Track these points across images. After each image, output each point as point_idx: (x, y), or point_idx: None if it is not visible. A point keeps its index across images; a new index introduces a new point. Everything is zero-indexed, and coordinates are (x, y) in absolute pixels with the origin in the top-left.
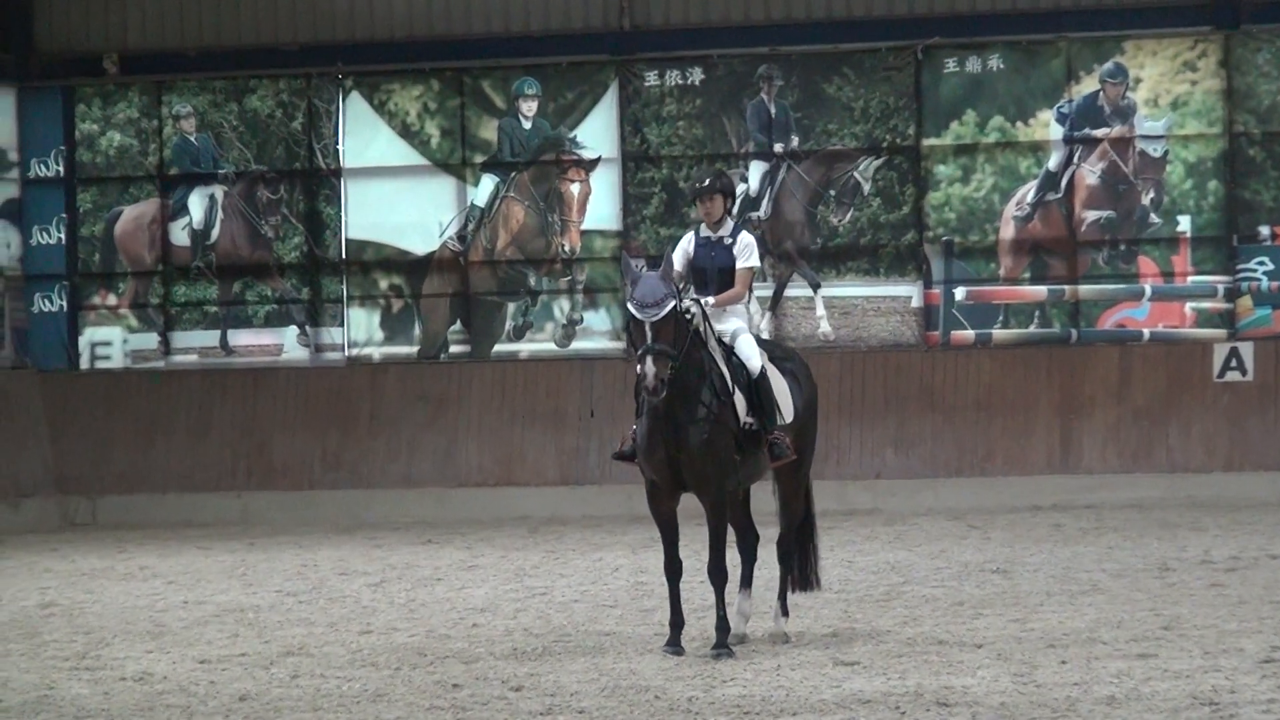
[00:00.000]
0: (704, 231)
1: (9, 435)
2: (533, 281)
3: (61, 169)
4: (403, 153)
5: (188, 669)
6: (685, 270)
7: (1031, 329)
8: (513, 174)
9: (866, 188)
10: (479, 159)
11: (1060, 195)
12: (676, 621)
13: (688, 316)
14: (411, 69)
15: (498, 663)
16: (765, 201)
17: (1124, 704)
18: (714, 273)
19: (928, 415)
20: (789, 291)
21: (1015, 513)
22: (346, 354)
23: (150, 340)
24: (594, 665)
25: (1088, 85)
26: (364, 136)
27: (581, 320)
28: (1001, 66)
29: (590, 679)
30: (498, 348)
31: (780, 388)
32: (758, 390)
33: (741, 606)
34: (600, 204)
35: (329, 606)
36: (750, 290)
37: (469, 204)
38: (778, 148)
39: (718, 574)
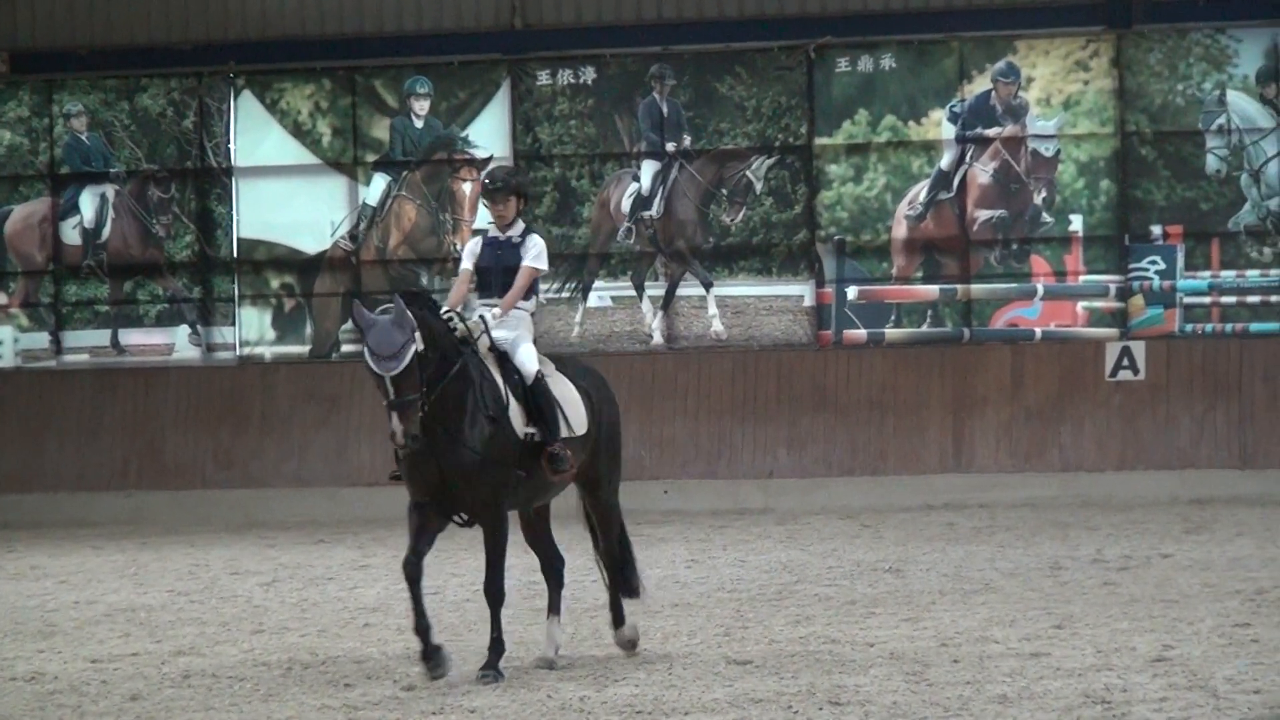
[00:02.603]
0: (493, 232)
1: None
2: (424, 280)
3: None
4: (294, 152)
5: (79, 669)
6: (472, 273)
7: (924, 328)
8: (404, 173)
9: (759, 187)
10: (371, 158)
11: (952, 194)
12: (422, 626)
13: (463, 332)
14: (303, 68)
15: (389, 662)
16: (657, 200)
17: (1016, 703)
18: (498, 273)
19: (820, 414)
20: (681, 291)
21: (908, 512)
22: (238, 353)
23: (41, 339)
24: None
25: (980, 84)
26: (255, 135)
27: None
28: (894, 66)
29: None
30: None
31: (569, 399)
32: (537, 399)
33: (552, 633)
34: None
35: (221, 606)
36: (534, 292)
37: (361, 203)
38: (670, 147)
39: (494, 593)
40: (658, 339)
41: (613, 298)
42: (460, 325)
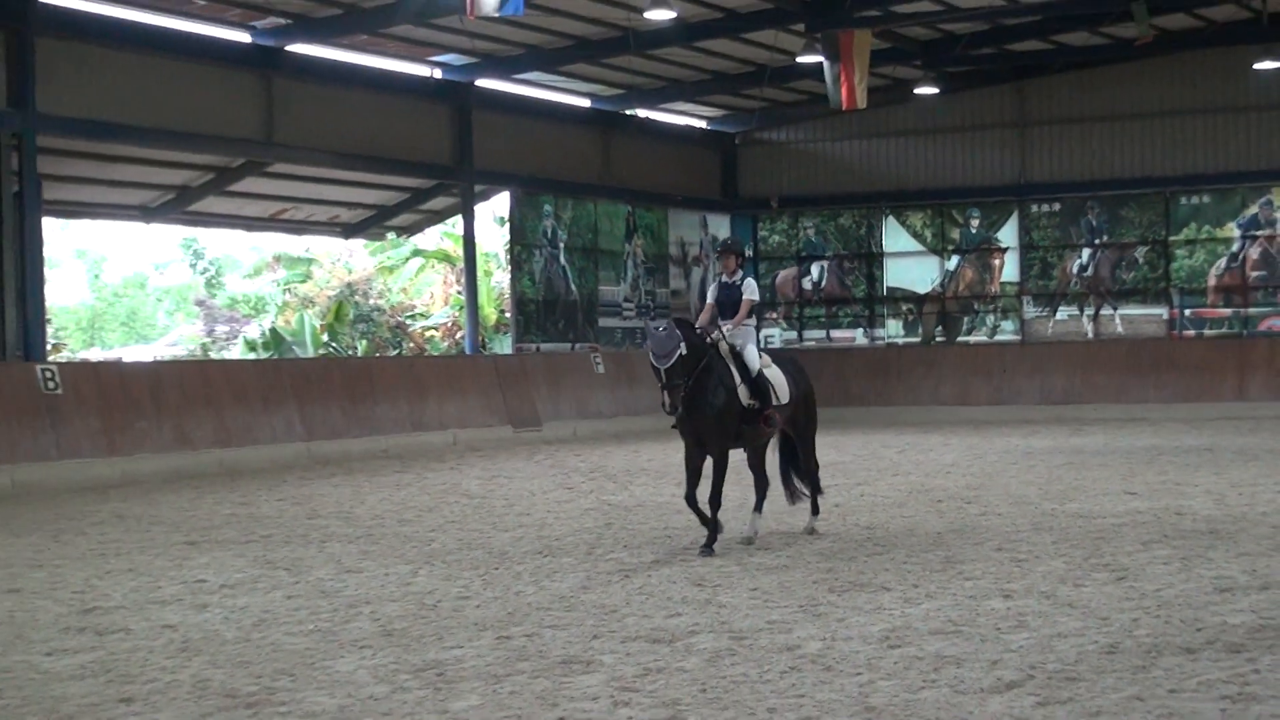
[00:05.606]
0: (724, 279)
1: None
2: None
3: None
4: (908, 242)
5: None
6: (713, 304)
7: None
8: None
9: None
10: (949, 248)
11: None
12: (704, 521)
13: (709, 340)
14: (919, 205)
15: (1043, 508)
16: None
17: None
18: (729, 305)
19: None
20: None
21: None
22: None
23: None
24: (1018, 502)
25: None
26: (891, 241)
27: None
28: None
29: (1017, 511)
30: None
31: (778, 380)
32: (757, 382)
33: (753, 522)
34: None
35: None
36: (753, 314)
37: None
38: None
39: (715, 501)
40: None
41: None
42: (706, 336)
